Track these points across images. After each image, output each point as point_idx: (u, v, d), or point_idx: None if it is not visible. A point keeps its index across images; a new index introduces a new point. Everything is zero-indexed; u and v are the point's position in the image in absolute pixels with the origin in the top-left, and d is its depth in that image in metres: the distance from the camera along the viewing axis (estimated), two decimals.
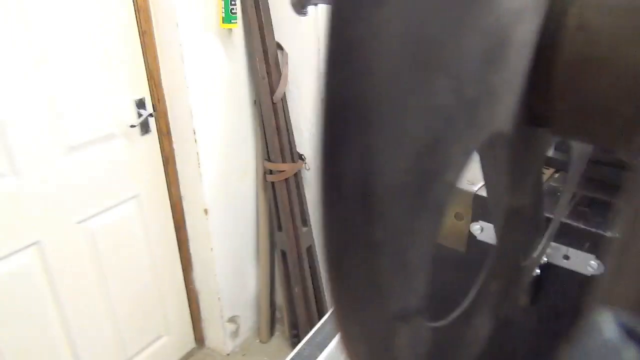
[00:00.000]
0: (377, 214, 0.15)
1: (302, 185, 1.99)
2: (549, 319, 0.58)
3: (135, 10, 1.55)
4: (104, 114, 1.54)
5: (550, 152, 0.64)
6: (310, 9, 0.40)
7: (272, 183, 1.93)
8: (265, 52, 1.79)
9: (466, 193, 0.59)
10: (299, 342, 1.97)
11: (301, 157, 1.95)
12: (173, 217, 1.88)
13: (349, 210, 0.15)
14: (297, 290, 2.04)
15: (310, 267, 2.07)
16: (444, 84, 0.16)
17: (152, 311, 1.89)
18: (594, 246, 0.54)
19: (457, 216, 0.60)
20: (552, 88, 0.24)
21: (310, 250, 2.06)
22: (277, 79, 1.82)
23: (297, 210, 1.98)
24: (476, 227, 0.58)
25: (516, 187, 0.30)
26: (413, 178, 0.16)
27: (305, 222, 2.02)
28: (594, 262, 0.54)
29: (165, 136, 1.75)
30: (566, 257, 0.55)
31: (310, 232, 2.04)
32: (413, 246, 0.18)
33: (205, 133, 1.75)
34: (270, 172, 1.91)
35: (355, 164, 0.14)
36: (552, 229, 0.46)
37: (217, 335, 2.12)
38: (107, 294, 1.69)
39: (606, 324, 0.20)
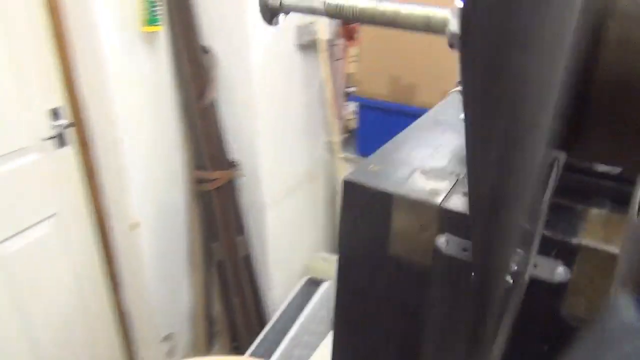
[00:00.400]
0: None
1: (237, 193, 1.92)
2: (517, 327, 0.58)
3: (46, 10, 1.41)
4: (13, 127, 1.39)
5: None
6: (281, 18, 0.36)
7: (205, 192, 1.84)
8: (192, 55, 1.70)
9: (430, 204, 0.57)
10: (239, 354, 1.90)
11: (235, 164, 1.88)
12: (97, 235, 1.74)
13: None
14: (235, 301, 1.97)
15: (248, 277, 2.00)
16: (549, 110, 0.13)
17: (79, 338, 1.74)
18: (561, 253, 0.54)
19: (423, 228, 0.58)
20: (587, 111, 0.21)
21: (247, 259, 2.00)
22: (206, 83, 1.74)
23: (232, 218, 1.91)
24: (442, 241, 0.57)
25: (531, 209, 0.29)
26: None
27: (241, 230, 1.96)
28: (560, 269, 0.54)
29: (85, 148, 1.62)
30: (534, 265, 0.55)
31: (246, 240, 1.98)
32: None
33: (129, 143, 1.63)
34: (203, 180, 1.82)
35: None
36: (537, 241, 0.45)
37: (152, 356, 1.99)
38: (27, 323, 1.53)
39: (625, 306, 0.18)
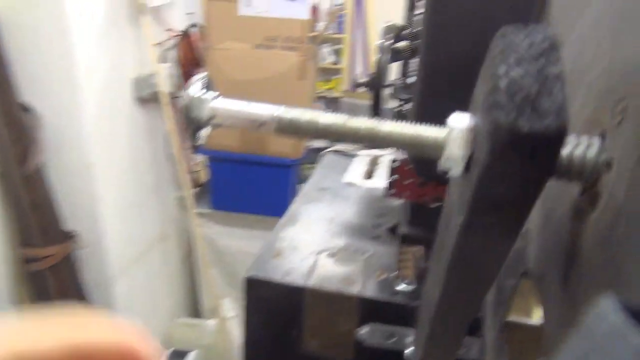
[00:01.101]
0: None
1: (77, 268, 1.67)
2: None
3: None
4: None
5: (406, 229, 0.63)
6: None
7: (37, 272, 1.56)
8: (8, 114, 1.45)
9: (346, 295, 0.53)
10: None
11: (72, 235, 1.63)
12: None
13: None
14: None
15: None
16: None
17: None
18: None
19: (340, 319, 0.54)
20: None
21: None
22: (28, 146, 1.50)
23: (73, 298, 1.65)
24: (364, 331, 0.53)
25: None
26: None
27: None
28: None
29: None
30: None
31: None
32: None
33: None
34: (33, 259, 1.55)
35: None
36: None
37: None
38: None
39: (611, 310, 0.17)
